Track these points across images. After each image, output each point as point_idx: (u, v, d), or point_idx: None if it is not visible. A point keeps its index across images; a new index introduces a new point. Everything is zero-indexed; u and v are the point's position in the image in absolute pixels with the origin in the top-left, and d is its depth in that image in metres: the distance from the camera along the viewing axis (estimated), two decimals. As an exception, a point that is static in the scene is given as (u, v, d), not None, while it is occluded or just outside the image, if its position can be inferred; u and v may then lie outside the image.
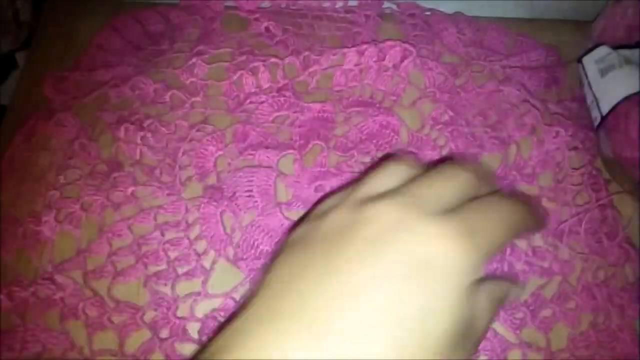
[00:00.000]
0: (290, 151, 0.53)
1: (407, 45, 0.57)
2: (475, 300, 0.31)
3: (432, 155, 0.53)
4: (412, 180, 0.34)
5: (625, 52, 0.55)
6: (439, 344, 0.29)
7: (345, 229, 0.32)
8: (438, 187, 0.33)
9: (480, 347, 0.46)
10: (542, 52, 0.60)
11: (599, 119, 0.54)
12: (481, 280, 0.32)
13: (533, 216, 0.37)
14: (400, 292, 0.29)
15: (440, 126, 0.55)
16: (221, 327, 0.30)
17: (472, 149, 0.54)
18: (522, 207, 0.36)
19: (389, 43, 0.57)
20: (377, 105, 0.56)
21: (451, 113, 0.55)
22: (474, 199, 0.34)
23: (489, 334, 0.46)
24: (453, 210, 0.32)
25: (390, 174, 0.35)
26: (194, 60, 0.56)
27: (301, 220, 0.36)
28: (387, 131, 0.54)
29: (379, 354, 0.28)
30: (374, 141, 0.53)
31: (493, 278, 0.35)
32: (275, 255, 0.34)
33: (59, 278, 0.47)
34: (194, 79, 0.56)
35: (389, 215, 0.31)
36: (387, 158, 0.37)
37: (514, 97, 0.56)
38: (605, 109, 0.53)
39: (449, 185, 0.34)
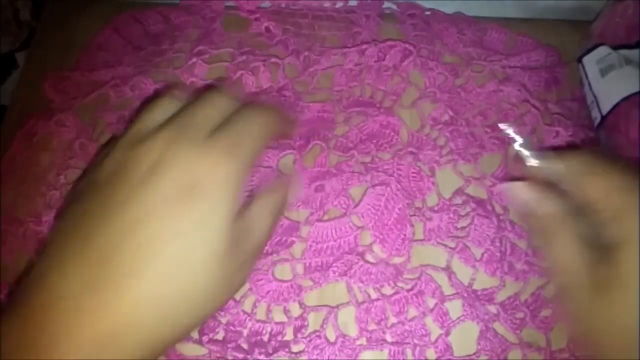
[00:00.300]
0: (290, 151, 0.52)
1: (407, 45, 0.57)
2: (249, 210, 0.37)
3: (432, 155, 0.53)
4: (177, 111, 0.38)
5: (626, 52, 0.55)
6: (216, 254, 0.34)
7: (117, 172, 0.35)
8: (198, 114, 0.37)
9: (480, 347, 0.46)
10: (542, 52, 0.59)
11: (599, 119, 0.54)
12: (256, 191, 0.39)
13: (281, 119, 0.42)
14: (172, 218, 0.33)
15: (440, 126, 0.54)
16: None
17: (472, 149, 0.53)
18: (270, 113, 0.40)
19: (389, 43, 0.57)
20: (378, 105, 0.56)
21: (451, 113, 0.55)
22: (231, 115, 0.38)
23: (489, 334, 0.46)
24: (215, 131, 0.36)
25: (157, 109, 0.38)
26: (194, 60, 0.56)
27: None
28: (388, 131, 0.54)
29: (162, 276, 0.32)
30: (374, 141, 0.53)
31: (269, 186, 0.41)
32: (61, 209, 0.40)
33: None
34: (194, 79, 0.56)
35: (155, 151, 0.34)
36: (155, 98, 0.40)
37: (514, 97, 0.56)
38: (605, 109, 0.53)
39: (207, 110, 0.37)
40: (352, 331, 0.46)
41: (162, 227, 0.33)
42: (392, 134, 0.54)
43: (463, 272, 0.48)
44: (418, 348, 0.45)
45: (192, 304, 0.34)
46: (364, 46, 0.57)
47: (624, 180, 0.38)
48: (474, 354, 0.46)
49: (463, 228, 0.50)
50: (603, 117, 0.53)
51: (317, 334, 0.45)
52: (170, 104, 0.39)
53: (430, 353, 0.45)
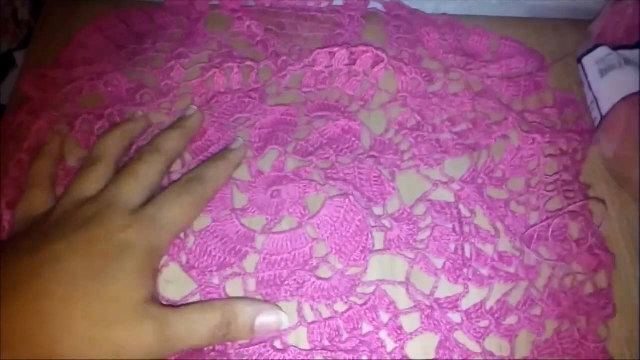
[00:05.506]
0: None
1: (379, 52, 0.56)
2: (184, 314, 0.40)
3: (393, 159, 0.52)
4: (110, 182, 0.44)
5: (625, 53, 0.54)
6: (118, 303, 0.37)
7: (58, 221, 0.41)
8: (125, 192, 0.43)
9: (438, 356, 0.44)
10: (523, 58, 0.58)
11: (599, 119, 0.53)
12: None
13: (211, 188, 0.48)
14: (94, 260, 0.38)
15: (405, 131, 0.53)
16: None
17: (436, 155, 0.52)
18: (205, 185, 0.47)
19: (361, 48, 0.56)
20: (342, 109, 0.55)
21: (418, 118, 0.54)
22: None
23: (448, 344, 0.44)
24: (141, 206, 0.42)
25: (91, 179, 0.44)
26: (172, 63, 0.56)
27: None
28: (349, 136, 0.53)
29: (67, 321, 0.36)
30: (334, 146, 0.52)
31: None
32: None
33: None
34: (169, 82, 0.56)
35: (89, 214, 0.40)
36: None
37: (489, 109, 0.55)
38: (605, 109, 0.53)
39: (131, 185, 0.43)
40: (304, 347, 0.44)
41: (75, 269, 0.37)
42: (352, 138, 0.53)
43: (424, 281, 0.47)
44: (375, 356, 0.44)
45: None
46: (335, 48, 0.56)
47: None
48: (432, 360, 0.44)
49: (422, 240, 0.48)
50: (603, 117, 0.53)
51: (264, 344, 0.44)
52: (100, 174, 0.45)
53: (387, 361, 0.44)
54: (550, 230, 0.48)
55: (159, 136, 0.49)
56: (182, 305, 0.42)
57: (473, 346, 0.45)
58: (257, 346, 0.43)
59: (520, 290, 0.47)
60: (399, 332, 0.45)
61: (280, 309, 0.44)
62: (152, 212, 0.42)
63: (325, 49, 0.56)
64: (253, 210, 0.50)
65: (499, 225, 0.50)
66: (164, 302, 0.45)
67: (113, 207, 0.41)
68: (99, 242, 0.38)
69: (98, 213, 0.40)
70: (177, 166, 0.51)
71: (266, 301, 0.45)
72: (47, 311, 0.35)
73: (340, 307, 0.46)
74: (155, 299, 0.40)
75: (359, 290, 0.46)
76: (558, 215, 0.49)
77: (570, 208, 0.50)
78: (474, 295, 0.47)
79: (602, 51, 0.55)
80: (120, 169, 0.45)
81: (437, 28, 0.60)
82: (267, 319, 0.42)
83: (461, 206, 0.50)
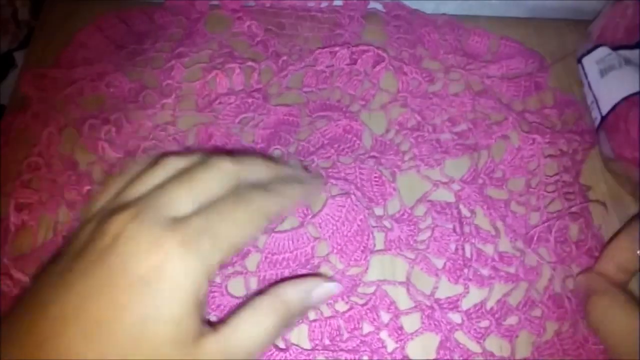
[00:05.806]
0: None
1: (380, 51, 0.56)
2: (232, 323, 0.34)
3: (394, 159, 0.52)
4: (155, 187, 0.35)
5: (625, 53, 0.54)
6: (163, 350, 0.30)
7: (86, 242, 0.33)
8: (171, 195, 0.34)
9: (439, 356, 0.44)
10: (522, 59, 0.58)
11: (599, 119, 0.53)
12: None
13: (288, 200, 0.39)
14: (122, 301, 0.30)
15: (405, 131, 0.53)
16: None
17: (436, 155, 0.52)
18: (272, 198, 0.37)
19: (362, 47, 0.56)
20: (344, 109, 0.55)
21: (419, 118, 0.54)
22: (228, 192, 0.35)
23: (449, 344, 0.44)
24: (185, 216, 0.33)
25: (137, 181, 0.36)
26: (173, 62, 0.56)
27: None
28: (350, 136, 0.53)
29: None
30: (335, 146, 0.52)
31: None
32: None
33: (15, 273, 0.46)
34: (170, 81, 0.56)
35: (118, 227, 0.32)
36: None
37: (489, 109, 0.55)
38: (605, 109, 0.52)
39: (182, 192, 0.34)
40: (305, 346, 0.44)
41: (108, 307, 0.30)
42: (354, 138, 0.53)
43: (425, 281, 0.47)
44: (375, 356, 0.44)
45: None
46: (336, 48, 0.56)
47: None
48: (433, 360, 0.44)
49: (422, 241, 0.48)
50: (603, 117, 0.53)
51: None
52: (151, 178, 0.36)
53: (388, 361, 0.44)
54: (553, 231, 0.49)
55: (259, 155, 0.41)
56: (229, 318, 0.35)
57: (473, 346, 0.45)
58: None
59: (521, 290, 0.47)
60: (399, 332, 0.45)
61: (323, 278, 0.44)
62: (197, 225, 0.32)
63: (326, 49, 0.56)
64: (255, 211, 0.49)
65: (499, 225, 0.50)
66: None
67: (148, 213, 0.32)
68: (131, 282, 0.30)
69: (129, 225, 0.31)
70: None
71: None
72: None
73: (341, 306, 0.46)
74: (205, 328, 0.33)
75: (360, 290, 0.46)
76: (559, 217, 0.49)
77: (573, 209, 0.50)
78: (474, 296, 0.47)
79: (602, 51, 0.55)
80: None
81: (437, 28, 0.60)
82: (318, 294, 0.39)
83: (461, 206, 0.50)
